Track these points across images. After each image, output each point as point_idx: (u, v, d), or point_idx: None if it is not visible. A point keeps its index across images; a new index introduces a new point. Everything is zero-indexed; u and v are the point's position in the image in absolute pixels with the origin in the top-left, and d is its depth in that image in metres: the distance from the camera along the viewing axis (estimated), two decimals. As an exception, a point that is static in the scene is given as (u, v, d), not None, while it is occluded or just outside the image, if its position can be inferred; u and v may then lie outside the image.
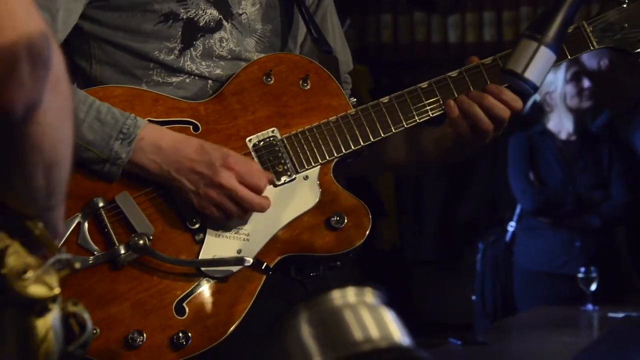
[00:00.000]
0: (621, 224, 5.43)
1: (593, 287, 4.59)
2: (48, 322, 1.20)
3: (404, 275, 7.31)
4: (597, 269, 4.61)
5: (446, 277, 7.20)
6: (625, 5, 2.19)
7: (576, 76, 5.21)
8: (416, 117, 2.14)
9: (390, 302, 1.30)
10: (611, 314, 4.38)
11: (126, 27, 2.08)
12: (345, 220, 2.07)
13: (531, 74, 1.73)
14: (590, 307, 4.57)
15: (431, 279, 7.33)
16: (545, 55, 1.73)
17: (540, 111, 5.39)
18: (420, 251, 7.37)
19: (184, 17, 2.09)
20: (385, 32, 7.40)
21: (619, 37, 2.18)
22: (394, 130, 2.13)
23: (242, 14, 2.16)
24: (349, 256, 2.10)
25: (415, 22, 7.33)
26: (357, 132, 2.12)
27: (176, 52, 2.09)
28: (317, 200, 2.09)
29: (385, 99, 2.14)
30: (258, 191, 2.03)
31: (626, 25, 2.18)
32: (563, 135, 5.36)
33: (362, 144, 2.12)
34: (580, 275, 4.63)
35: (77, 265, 1.25)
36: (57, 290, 1.20)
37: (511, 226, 5.52)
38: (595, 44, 2.17)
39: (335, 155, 2.11)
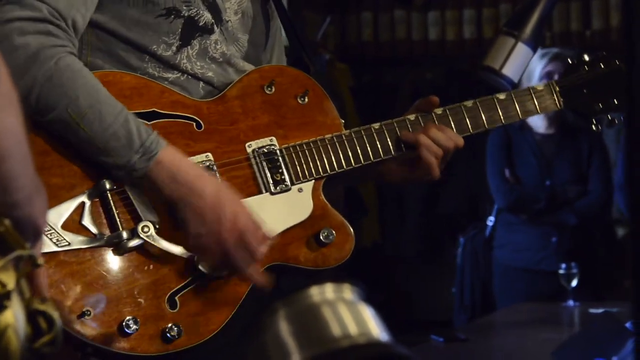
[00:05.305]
0: (597, 220, 5.42)
1: (574, 283, 4.60)
2: (7, 319, 1.18)
3: (386, 272, 7.31)
4: (578, 265, 4.62)
5: (428, 274, 7.20)
6: (584, 73, 2.34)
7: (548, 75, 5.13)
8: (403, 147, 2.24)
9: (370, 298, 1.31)
10: (592, 310, 4.39)
11: (125, 15, 2.05)
12: (334, 237, 2.13)
13: (509, 70, 1.74)
14: (571, 303, 4.58)
15: (413, 275, 7.33)
16: (522, 51, 1.74)
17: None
18: (401, 248, 7.37)
19: (185, 14, 2.08)
20: (366, 30, 7.40)
21: (580, 101, 2.34)
22: (382, 157, 2.23)
23: (229, 21, 2.16)
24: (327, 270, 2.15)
25: (396, 20, 7.33)
26: (349, 153, 2.19)
27: (174, 48, 2.09)
28: (309, 213, 2.13)
29: (376, 125, 2.23)
30: (253, 257, 2.01)
31: (585, 91, 2.34)
32: (542, 129, 5.35)
33: (353, 165, 2.19)
34: (561, 271, 4.64)
35: (40, 261, 1.23)
36: (10, 287, 1.18)
37: (490, 221, 5.51)
38: (561, 104, 2.32)
39: (329, 172, 2.16)
